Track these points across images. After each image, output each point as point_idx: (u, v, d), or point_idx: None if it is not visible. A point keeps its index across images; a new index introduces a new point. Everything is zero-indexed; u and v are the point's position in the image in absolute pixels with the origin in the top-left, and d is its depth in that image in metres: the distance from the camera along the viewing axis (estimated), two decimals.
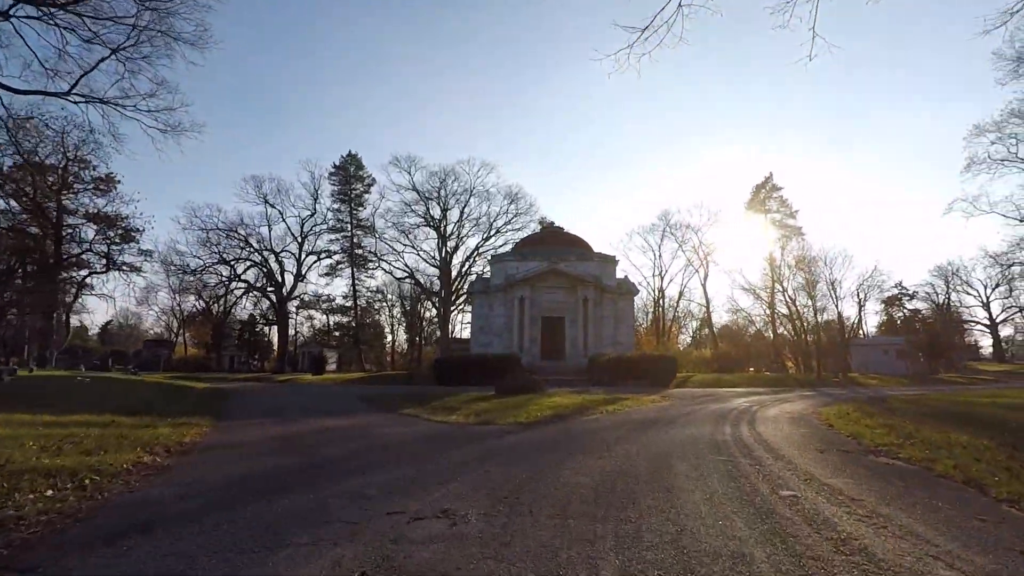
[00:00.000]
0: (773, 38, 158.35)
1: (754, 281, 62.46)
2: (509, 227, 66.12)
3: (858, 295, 63.82)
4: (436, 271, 68.25)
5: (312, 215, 64.17)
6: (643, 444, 9.33)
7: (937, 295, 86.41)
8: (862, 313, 73.62)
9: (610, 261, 48.81)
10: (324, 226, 65.59)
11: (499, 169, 75.82)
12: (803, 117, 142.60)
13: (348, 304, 74.75)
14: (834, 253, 51.08)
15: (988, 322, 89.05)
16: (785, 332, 63.97)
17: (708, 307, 63.98)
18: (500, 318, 47.36)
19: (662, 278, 66.42)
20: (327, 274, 67.24)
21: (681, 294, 66.34)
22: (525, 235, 57.72)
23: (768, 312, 62.95)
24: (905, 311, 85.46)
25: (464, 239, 67.60)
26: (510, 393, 19.78)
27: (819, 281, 50.42)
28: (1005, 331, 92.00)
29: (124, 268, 51.97)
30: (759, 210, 60.40)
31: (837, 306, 52.19)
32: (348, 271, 68.17)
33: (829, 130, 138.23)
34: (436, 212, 65.52)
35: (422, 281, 71.12)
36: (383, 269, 66.32)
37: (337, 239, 67.25)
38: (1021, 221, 41.56)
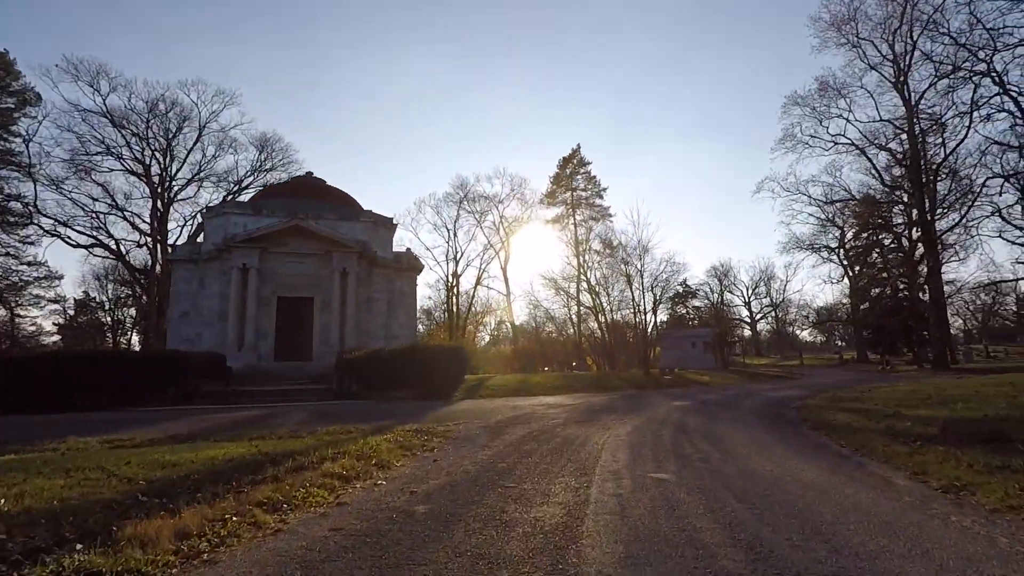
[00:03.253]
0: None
1: (557, 271, 55.53)
2: (259, 183, 49.41)
3: (653, 290, 61.37)
4: (149, 240, 48.38)
5: None
6: None
7: (712, 293, 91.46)
8: (656, 310, 72.89)
9: (385, 225, 35.79)
10: None
11: (244, 104, 57.63)
12: (614, 95, 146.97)
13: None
14: (635, 242, 45.59)
15: (749, 319, 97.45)
16: (588, 327, 58.16)
17: (509, 296, 54.73)
18: (214, 299, 31.17)
19: (457, 262, 55.46)
20: None
21: (479, 280, 56.13)
22: None
23: (572, 304, 56.14)
24: (687, 309, 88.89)
25: (189, 195, 48.87)
26: None
27: (624, 271, 44.55)
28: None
29: None
30: (565, 186, 53.02)
31: (634, 297, 46.99)
32: None
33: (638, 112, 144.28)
34: (145, 154, 45.78)
35: (125, 253, 50.02)
36: (46, 230, 43.81)
37: None
38: (827, 203, 39.71)
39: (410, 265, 36.31)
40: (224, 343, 29.13)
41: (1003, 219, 47.56)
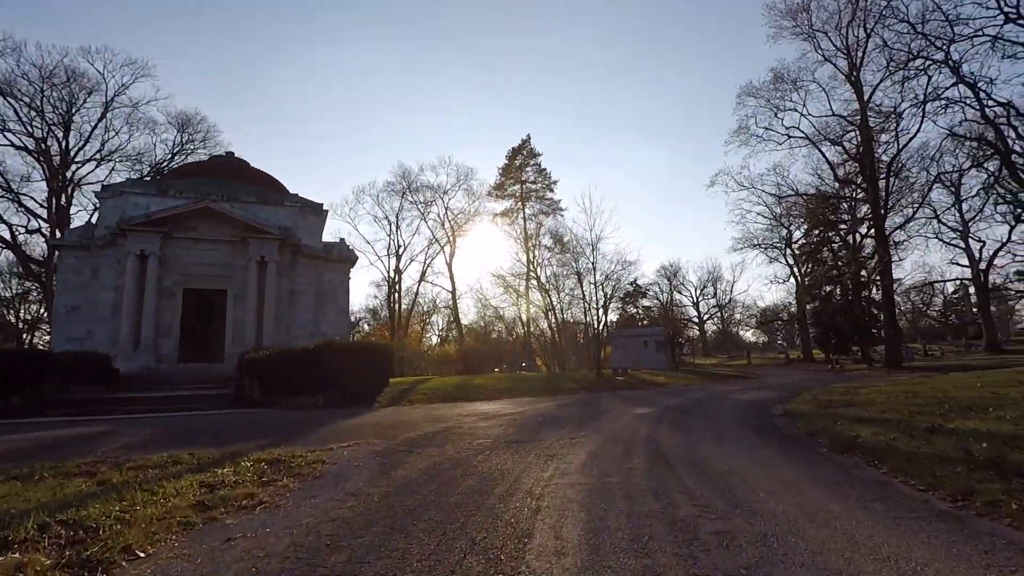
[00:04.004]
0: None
1: (507, 268, 53.09)
2: (177, 165, 44.57)
3: (604, 288, 59.67)
4: (47, 227, 42.79)
5: None
6: None
7: (662, 293, 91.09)
8: (608, 308, 71.29)
9: (314, 211, 32.24)
10: None
11: (162, 79, 52.16)
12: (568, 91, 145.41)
13: None
14: (587, 232, 43.68)
15: (698, 319, 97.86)
16: (539, 326, 56.10)
17: (455, 293, 51.81)
18: (109, 291, 26.91)
19: (399, 257, 52.10)
20: None
21: (423, 276, 52.93)
22: None
23: (521, 303, 53.73)
24: (638, 308, 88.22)
25: (99, 178, 43.56)
26: None
27: (575, 268, 42.61)
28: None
29: None
30: (515, 179, 50.53)
31: (584, 294, 45.05)
32: None
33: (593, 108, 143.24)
34: (39, 128, 40.30)
35: (22, 241, 44.21)
36: None
37: None
38: (780, 198, 38.82)
39: (342, 256, 32.87)
40: (118, 342, 25.14)
41: (939, 221, 48.53)
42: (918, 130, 31.53)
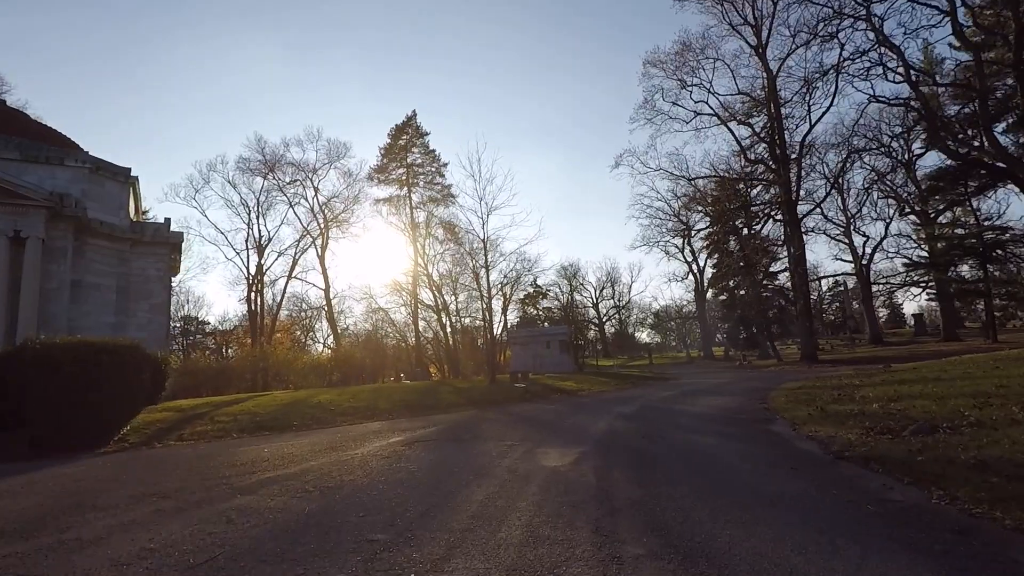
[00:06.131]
0: None
1: (394, 264, 46.77)
2: None
3: (502, 290, 55.12)
4: None
5: None
6: None
7: (563, 294, 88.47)
8: (506, 309, 66.82)
9: (115, 176, 24.41)
10: None
11: None
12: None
13: None
14: (478, 211, 38.25)
15: (598, 320, 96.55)
16: (432, 330, 50.18)
17: (328, 291, 44.58)
18: None
19: (261, 251, 43.89)
20: None
21: (292, 272, 45.09)
22: None
23: (410, 303, 47.51)
24: (538, 310, 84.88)
25: None
26: None
27: (471, 265, 37.32)
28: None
29: None
30: (399, 160, 44.38)
31: (480, 285, 39.97)
32: None
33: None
34: None
35: None
36: None
37: None
38: (689, 181, 36.06)
39: (158, 238, 25.14)
40: None
41: (824, 216, 48.99)
42: (831, 104, 29.68)
